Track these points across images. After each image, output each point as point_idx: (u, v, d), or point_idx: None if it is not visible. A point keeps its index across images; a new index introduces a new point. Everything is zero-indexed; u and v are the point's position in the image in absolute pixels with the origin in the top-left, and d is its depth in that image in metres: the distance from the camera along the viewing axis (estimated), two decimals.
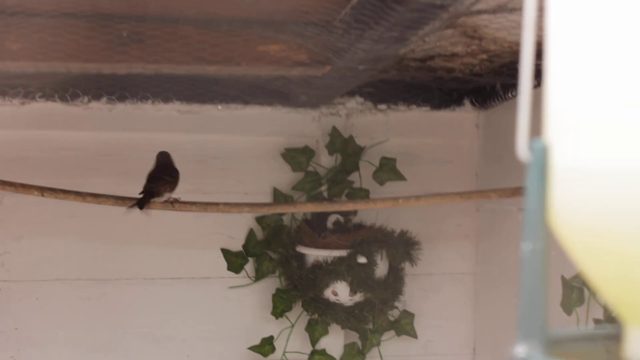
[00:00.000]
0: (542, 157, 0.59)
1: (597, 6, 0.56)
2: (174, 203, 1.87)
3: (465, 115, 2.41)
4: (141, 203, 1.82)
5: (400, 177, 2.36)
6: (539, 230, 0.59)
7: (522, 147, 0.60)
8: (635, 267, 0.56)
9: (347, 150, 2.33)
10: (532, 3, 0.61)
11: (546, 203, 0.59)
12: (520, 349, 0.58)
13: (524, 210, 0.60)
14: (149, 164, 2.26)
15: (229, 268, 2.33)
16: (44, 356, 2.26)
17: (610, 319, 1.66)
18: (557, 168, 0.59)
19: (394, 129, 2.38)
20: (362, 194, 2.34)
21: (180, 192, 2.26)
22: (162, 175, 1.90)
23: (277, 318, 2.34)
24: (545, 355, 0.58)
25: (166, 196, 1.87)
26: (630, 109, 0.54)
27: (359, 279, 2.18)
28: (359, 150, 2.34)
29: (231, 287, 2.34)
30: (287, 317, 2.35)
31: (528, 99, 0.62)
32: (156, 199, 1.86)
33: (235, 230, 2.34)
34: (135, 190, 2.17)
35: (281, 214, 2.33)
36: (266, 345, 2.34)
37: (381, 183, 2.36)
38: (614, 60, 0.55)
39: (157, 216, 2.25)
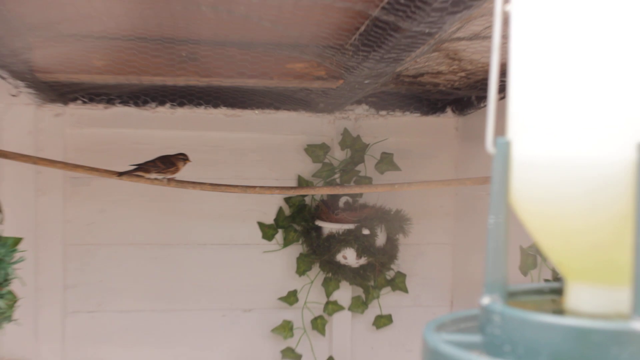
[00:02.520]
0: (504, 150, 0.59)
1: (547, 36, 0.56)
2: (170, 181, 1.86)
3: (447, 120, 2.40)
4: (123, 172, 1.83)
5: (396, 167, 2.35)
6: (501, 206, 0.58)
7: (489, 142, 0.60)
8: (573, 236, 0.56)
9: (355, 146, 2.33)
10: (499, 32, 0.61)
11: (507, 185, 0.59)
12: (485, 300, 0.58)
13: (490, 191, 0.60)
14: (203, 156, 2.28)
15: (263, 237, 2.34)
16: (122, 302, 2.27)
17: (557, 279, 1.66)
18: (515, 159, 0.59)
19: (392, 130, 2.37)
20: (367, 181, 2.34)
21: (226, 177, 2.28)
22: (156, 161, 1.90)
23: (300, 276, 2.34)
24: (504, 304, 0.57)
25: (154, 175, 1.86)
26: (572, 114, 0.54)
27: (363, 246, 2.18)
28: (365, 147, 2.33)
29: (265, 252, 2.35)
30: (307, 275, 2.35)
31: (494, 104, 0.61)
32: (144, 174, 1.85)
33: (268, 207, 2.34)
34: (191, 175, 2.18)
35: (304, 196, 2.33)
36: (291, 296, 2.35)
37: (381, 172, 2.35)
38: (560, 76, 0.55)
39: (208, 196, 2.27)
